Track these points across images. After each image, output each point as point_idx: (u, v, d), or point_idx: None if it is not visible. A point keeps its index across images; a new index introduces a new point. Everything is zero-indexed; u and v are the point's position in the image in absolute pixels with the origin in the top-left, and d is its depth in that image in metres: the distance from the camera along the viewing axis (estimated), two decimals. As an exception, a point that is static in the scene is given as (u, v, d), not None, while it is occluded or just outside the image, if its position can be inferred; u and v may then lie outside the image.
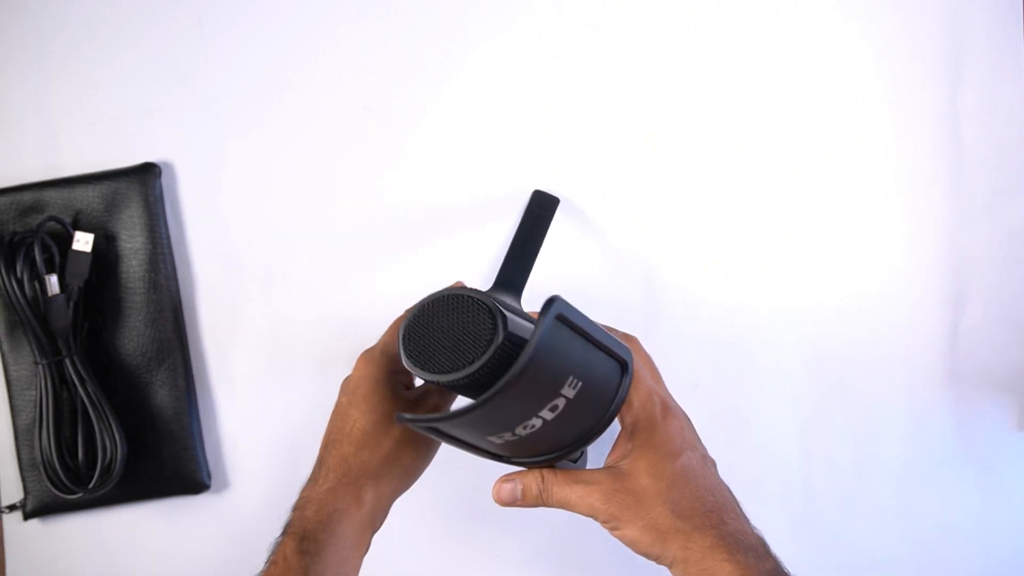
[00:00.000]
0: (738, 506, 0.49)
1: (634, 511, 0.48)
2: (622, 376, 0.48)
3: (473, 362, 0.42)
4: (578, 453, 0.53)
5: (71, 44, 0.69)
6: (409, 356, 0.45)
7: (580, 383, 0.43)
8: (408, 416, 0.42)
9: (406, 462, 0.52)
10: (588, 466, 0.54)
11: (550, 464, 0.50)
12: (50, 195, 0.66)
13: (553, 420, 0.44)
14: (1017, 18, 0.67)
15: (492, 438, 0.44)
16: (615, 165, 0.68)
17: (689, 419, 0.52)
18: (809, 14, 0.67)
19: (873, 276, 0.67)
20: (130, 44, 0.69)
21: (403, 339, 0.46)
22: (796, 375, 0.67)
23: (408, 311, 0.47)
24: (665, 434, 0.49)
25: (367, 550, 0.52)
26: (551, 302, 0.41)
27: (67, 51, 0.69)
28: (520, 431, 0.44)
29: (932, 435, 0.67)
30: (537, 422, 0.43)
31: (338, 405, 0.54)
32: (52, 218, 0.64)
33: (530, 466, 0.50)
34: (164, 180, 0.68)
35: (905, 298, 0.67)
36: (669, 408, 0.51)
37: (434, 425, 0.42)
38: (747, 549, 0.46)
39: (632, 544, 0.48)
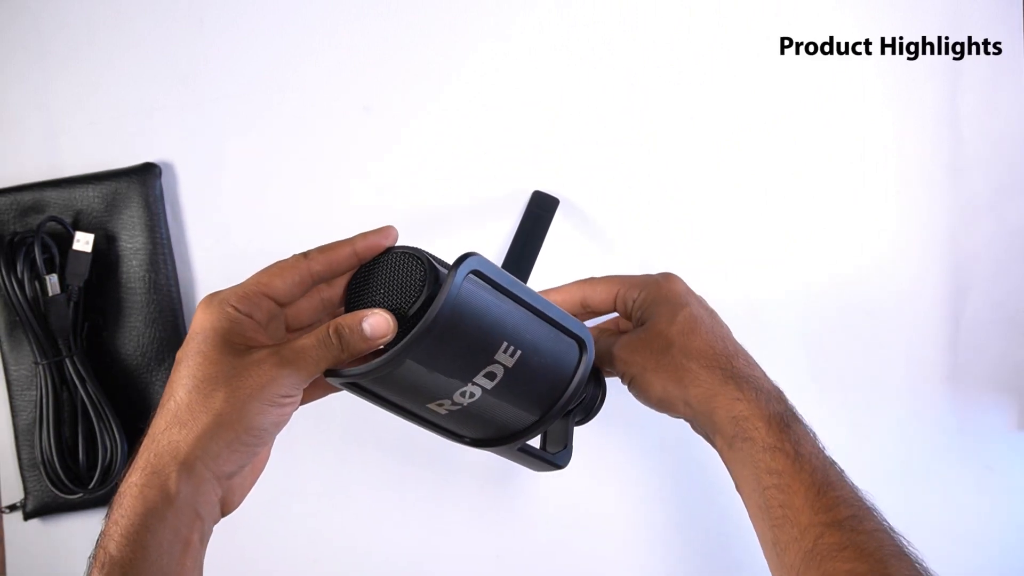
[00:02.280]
0: (752, 359, 0.52)
1: (644, 355, 0.51)
2: (581, 354, 0.48)
3: (406, 313, 0.42)
4: (561, 446, 0.53)
5: (71, 44, 0.69)
6: (349, 310, 0.45)
7: (519, 352, 0.43)
8: (333, 371, 0.42)
9: (229, 438, 0.41)
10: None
11: (512, 447, 0.49)
12: (50, 195, 0.66)
13: (496, 391, 0.44)
14: (1017, 18, 0.67)
15: (432, 406, 0.44)
16: (615, 165, 0.68)
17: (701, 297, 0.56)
18: (809, 14, 0.67)
19: (873, 276, 0.67)
20: (130, 44, 0.69)
21: (345, 293, 0.45)
22: (796, 374, 0.67)
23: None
24: (669, 290, 0.53)
25: (203, 543, 0.43)
26: (465, 256, 0.41)
27: (67, 51, 0.69)
28: (459, 399, 0.43)
29: (932, 435, 0.67)
30: (475, 390, 0.43)
31: (174, 363, 0.43)
32: (52, 218, 0.64)
33: (492, 449, 0.49)
34: (164, 180, 0.68)
35: (905, 298, 0.67)
36: (670, 274, 0.55)
37: (357, 381, 0.42)
38: (758, 390, 0.48)
39: (647, 390, 0.51)
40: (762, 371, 0.51)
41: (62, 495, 0.64)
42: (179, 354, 0.43)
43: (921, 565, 0.43)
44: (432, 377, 0.42)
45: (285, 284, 0.44)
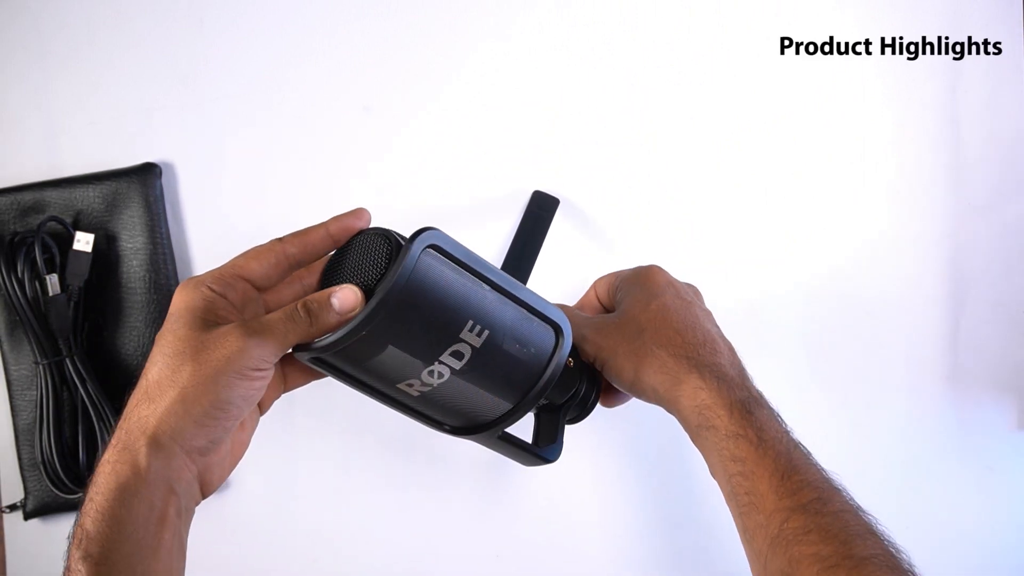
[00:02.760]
0: (722, 345, 0.52)
1: (616, 339, 0.52)
2: (557, 340, 0.48)
3: (372, 288, 0.41)
4: (551, 440, 0.53)
5: (71, 44, 0.69)
6: (323, 287, 0.45)
7: (487, 332, 0.43)
8: (302, 346, 0.42)
9: (196, 412, 0.41)
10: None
11: (491, 435, 0.48)
12: (50, 195, 0.66)
13: (465, 373, 0.44)
14: (1017, 18, 0.67)
15: (402, 386, 0.44)
16: (615, 165, 0.68)
17: (691, 285, 0.56)
18: (809, 14, 0.67)
19: (873, 276, 0.67)
20: (130, 44, 0.69)
21: (319, 278, 0.46)
22: (796, 375, 0.67)
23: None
24: (647, 277, 0.54)
25: (180, 518, 0.42)
26: (423, 230, 0.41)
27: (67, 51, 0.69)
28: (428, 379, 0.43)
29: (932, 435, 0.67)
30: (444, 370, 0.43)
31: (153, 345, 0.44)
32: (53, 218, 0.64)
33: (473, 438, 0.49)
34: (164, 180, 0.68)
35: (905, 297, 0.67)
36: (654, 265, 0.55)
37: (321, 355, 0.42)
38: (720, 378, 0.49)
39: (619, 375, 0.51)
40: (730, 357, 0.51)
41: (62, 495, 0.64)
42: (156, 336, 0.43)
43: (889, 542, 0.42)
44: (397, 354, 0.42)
45: (261, 266, 0.44)
